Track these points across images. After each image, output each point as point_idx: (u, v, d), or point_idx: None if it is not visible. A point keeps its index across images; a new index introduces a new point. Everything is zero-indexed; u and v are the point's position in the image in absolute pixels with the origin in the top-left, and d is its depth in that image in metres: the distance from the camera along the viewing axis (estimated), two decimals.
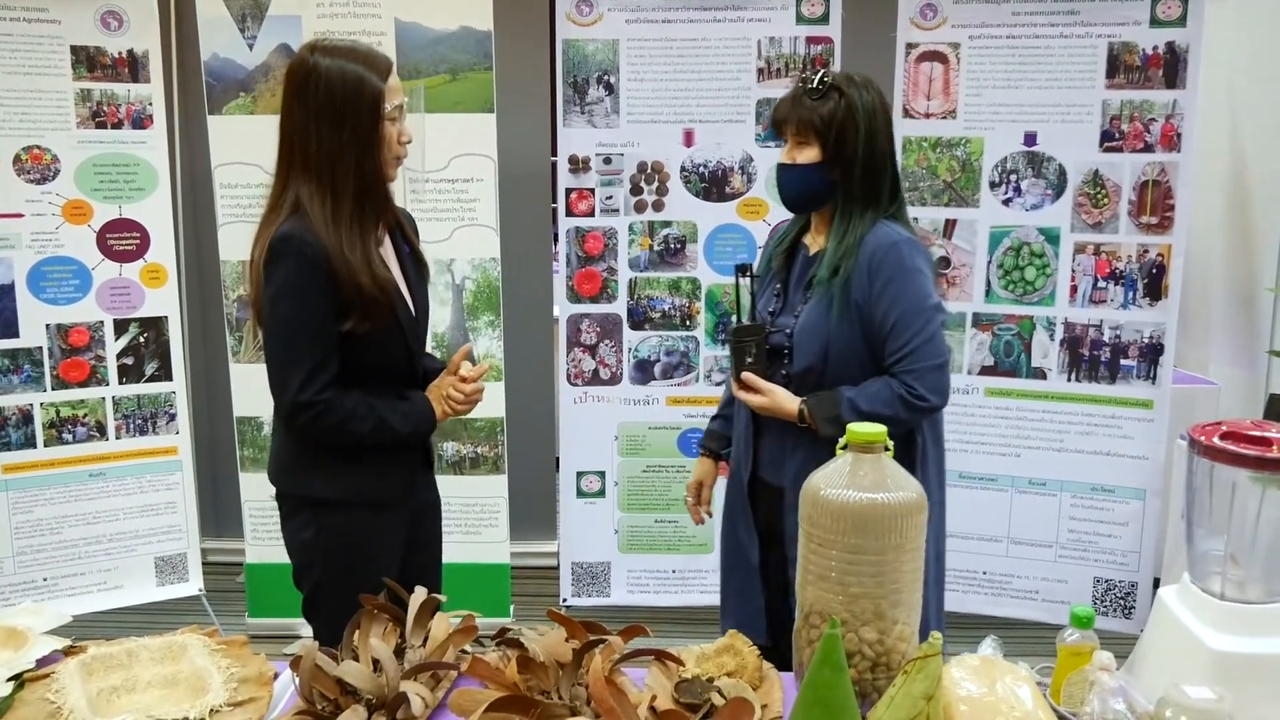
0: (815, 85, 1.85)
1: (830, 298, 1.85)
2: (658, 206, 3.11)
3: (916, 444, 1.91)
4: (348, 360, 1.75)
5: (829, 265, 1.86)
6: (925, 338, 1.81)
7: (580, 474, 3.22)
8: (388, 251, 1.84)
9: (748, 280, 1.97)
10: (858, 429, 1.37)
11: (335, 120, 1.68)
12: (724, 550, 2.09)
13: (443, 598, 1.57)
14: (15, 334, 2.99)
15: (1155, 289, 2.93)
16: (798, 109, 1.86)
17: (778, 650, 1.80)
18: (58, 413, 3.06)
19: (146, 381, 3.16)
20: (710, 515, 2.18)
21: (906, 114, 3.03)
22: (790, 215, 2.06)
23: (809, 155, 1.86)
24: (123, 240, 3.10)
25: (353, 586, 1.74)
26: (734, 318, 2.01)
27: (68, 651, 1.46)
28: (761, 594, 2.01)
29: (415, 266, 1.89)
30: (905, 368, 1.81)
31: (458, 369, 1.86)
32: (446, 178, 3.05)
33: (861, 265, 1.83)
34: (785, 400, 1.87)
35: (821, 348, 1.86)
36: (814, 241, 1.97)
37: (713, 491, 2.18)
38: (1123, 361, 2.97)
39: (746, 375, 1.90)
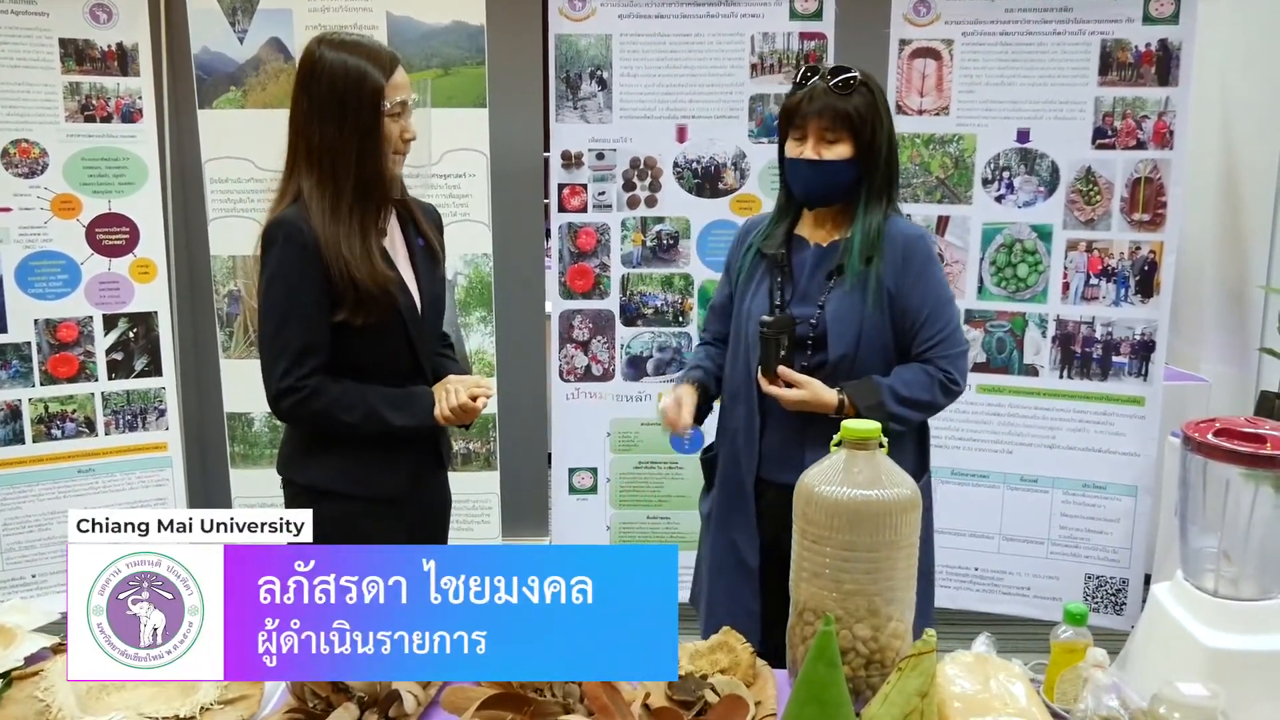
0: (844, 79, 1.82)
1: (864, 286, 1.85)
2: (650, 202, 3.10)
3: (929, 434, 1.97)
4: (346, 352, 1.74)
5: (861, 254, 1.85)
6: (955, 325, 1.90)
7: (572, 470, 3.22)
8: (395, 243, 1.82)
9: (777, 269, 1.93)
10: (852, 425, 1.36)
11: (337, 114, 1.68)
12: (714, 552, 2.02)
13: None
14: (3, 329, 2.97)
15: (1147, 286, 2.93)
16: (829, 102, 1.82)
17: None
18: (46, 408, 3.04)
19: (136, 377, 3.14)
20: (694, 427, 2.00)
21: (900, 110, 3.02)
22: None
23: (840, 151, 1.83)
24: (112, 235, 3.08)
25: None
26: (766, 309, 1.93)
27: (56, 649, 1.45)
28: (757, 599, 1.96)
29: (429, 259, 1.87)
30: (941, 353, 1.86)
31: (476, 385, 1.80)
32: (438, 173, 3.04)
33: (895, 255, 1.86)
34: (823, 392, 1.82)
35: (854, 336, 1.86)
36: (816, 233, 1.94)
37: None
38: (1114, 358, 2.97)
39: (784, 370, 1.84)
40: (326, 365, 1.73)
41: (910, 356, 1.88)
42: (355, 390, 1.74)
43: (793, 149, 1.87)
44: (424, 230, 1.87)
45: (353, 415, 1.73)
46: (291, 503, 1.84)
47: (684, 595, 3.15)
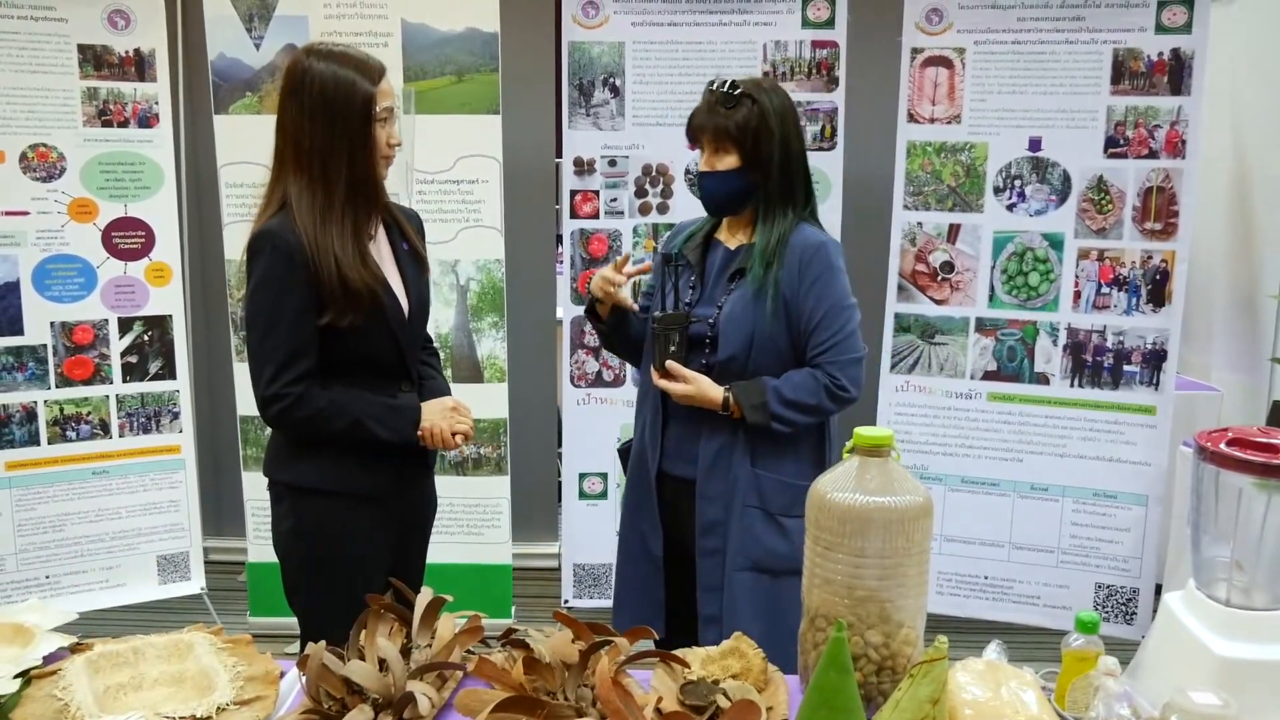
0: (727, 93, 1.90)
1: (760, 291, 1.92)
2: (662, 209, 3.11)
3: (826, 438, 2.01)
4: (335, 351, 1.77)
5: (760, 260, 1.92)
6: (847, 332, 1.93)
7: (583, 475, 3.23)
8: (382, 248, 1.86)
9: (672, 269, 2.01)
10: (866, 432, 1.37)
11: (328, 121, 1.72)
12: (623, 542, 2.13)
13: (449, 597, 1.57)
14: (20, 331, 2.99)
15: (1158, 295, 2.93)
16: (713, 118, 1.91)
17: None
18: (61, 410, 3.07)
19: (150, 380, 3.16)
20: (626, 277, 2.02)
21: (911, 119, 3.03)
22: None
23: (728, 162, 1.92)
24: (128, 239, 3.10)
25: (328, 577, 1.79)
26: (659, 305, 2.02)
27: (74, 649, 1.46)
28: (662, 587, 2.06)
29: (414, 264, 1.91)
30: (830, 359, 1.91)
31: (461, 423, 1.88)
32: (451, 179, 3.05)
33: (792, 262, 1.92)
34: (709, 389, 1.91)
35: (746, 338, 1.93)
36: (731, 238, 2.03)
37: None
38: (1125, 367, 2.97)
39: (672, 364, 1.92)
40: (313, 371, 1.76)
41: (804, 362, 1.95)
42: (342, 400, 1.77)
43: (700, 162, 1.98)
44: (408, 235, 1.91)
45: (338, 425, 1.77)
46: (276, 502, 1.87)
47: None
